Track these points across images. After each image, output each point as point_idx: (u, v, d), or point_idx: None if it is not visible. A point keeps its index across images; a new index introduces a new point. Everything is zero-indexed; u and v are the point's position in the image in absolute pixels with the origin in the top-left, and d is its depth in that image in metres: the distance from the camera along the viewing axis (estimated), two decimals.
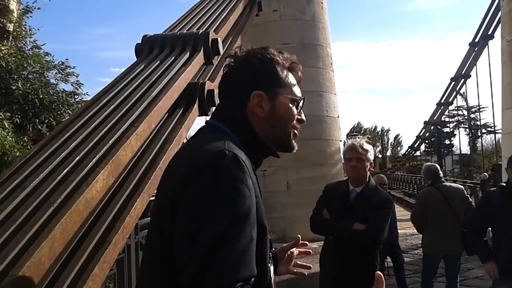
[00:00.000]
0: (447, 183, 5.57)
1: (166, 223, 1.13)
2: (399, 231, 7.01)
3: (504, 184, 3.83)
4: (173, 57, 2.94)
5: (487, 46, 25.44)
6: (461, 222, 5.17)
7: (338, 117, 11.78)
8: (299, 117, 1.38)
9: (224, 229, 1.03)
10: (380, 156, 69.59)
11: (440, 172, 5.61)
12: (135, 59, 3.09)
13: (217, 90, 1.49)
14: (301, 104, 1.39)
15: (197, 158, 1.14)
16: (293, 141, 1.38)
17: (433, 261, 5.59)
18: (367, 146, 3.40)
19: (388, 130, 73.93)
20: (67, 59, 12.63)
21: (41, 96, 10.06)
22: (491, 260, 3.73)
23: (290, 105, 1.35)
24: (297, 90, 1.39)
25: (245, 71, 1.33)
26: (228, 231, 1.03)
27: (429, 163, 6.17)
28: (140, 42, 3.23)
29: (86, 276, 1.64)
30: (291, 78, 1.38)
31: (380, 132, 73.79)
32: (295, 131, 1.38)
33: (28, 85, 10.16)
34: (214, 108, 2.78)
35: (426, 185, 6.10)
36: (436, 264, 5.57)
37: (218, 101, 1.43)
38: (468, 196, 5.56)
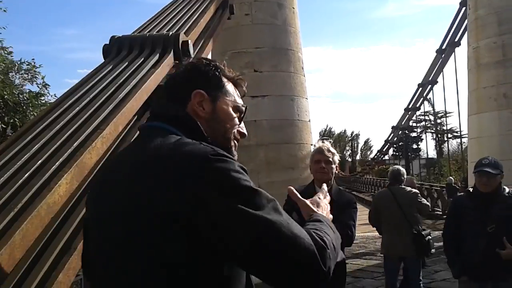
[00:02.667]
0: (402, 187, 5.64)
1: (163, 236, 1.02)
2: (367, 233, 7.09)
3: (471, 189, 3.91)
4: (142, 59, 2.88)
5: (453, 53, 26.06)
6: (412, 225, 5.30)
7: (309, 121, 11.87)
8: (240, 130, 1.33)
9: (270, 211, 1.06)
10: (349, 159, 70.53)
11: (402, 176, 5.70)
12: (102, 61, 3.02)
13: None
14: (243, 116, 1.35)
15: (191, 161, 1.06)
16: (234, 150, 1.32)
17: (391, 262, 5.69)
18: (333, 150, 3.52)
19: (357, 135, 75.10)
20: (33, 59, 12.32)
21: (5, 96, 9.76)
22: (462, 276, 3.82)
23: (232, 112, 1.30)
24: (240, 101, 1.35)
25: (189, 72, 1.31)
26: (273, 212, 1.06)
27: (396, 166, 6.27)
28: (108, 43, 3.16)
29: (50, 283, 1.59)
30: (235, 90, 1.35)
31: (349, 136, 74.86)
32: (235, 141, 1.32)
33: None
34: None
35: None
36: (394, 265, 5.66)
37: (158, 103, 1.41)
38: (420, 201, 5.60)
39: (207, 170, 1.04)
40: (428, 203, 5.77)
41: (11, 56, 11.38)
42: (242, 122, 1.35)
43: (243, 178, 1.06)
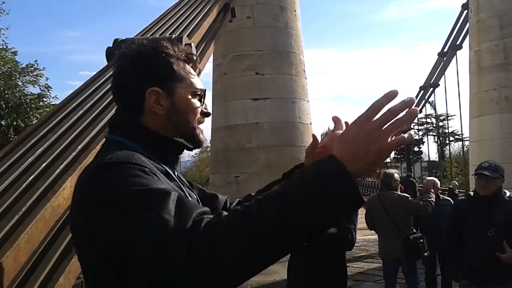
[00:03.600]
0: (391, 192, 5.64)
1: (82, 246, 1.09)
2: (368, 236, 7.10)
3: (472, 193, 3.91)
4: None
5: (455, 56, 26.08)
6: (401, 229, 5.32)
7: (310, 123, 11.87)
8: (204, 110, 1.28)
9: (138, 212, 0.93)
10: None
11: (390, 178, 5.67)
12: (106, 63, 3.04)
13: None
14: (203, 96, 1.28)
15: (79, 180, 1.10)
16: (201, 135, 1.27)
17: (387, 265, 5.75)
18: None
19: None
20: (36, 60, 12.36)
21: (7, 98, 9.79)
22: (462, 279, 3.83)
23: (191, 99, 1.24)
24: (197, 82, 1.27)
25: (135, 69, 1.21)
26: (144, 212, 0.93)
27: (387, 170, 6.27)
28: (111, 46, 3.18)
29: (51, 286, 1.60)
30: (189, 70, 1.27)
31: None
32: (200, 125, 1.28)
33: None
34: None
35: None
36: (391, 268, 5.69)
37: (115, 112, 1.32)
38: (412, 203, 5.59)
39: (89, 184, 1.04)
40: (417, 201, 5.71)
41: (15, 56, 11.42)
42: (204, 102, 1.29)
43: (120, 189, 0.98)
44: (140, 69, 1.21)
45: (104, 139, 1.26)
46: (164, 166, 1.17)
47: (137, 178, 0.99)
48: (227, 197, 1.49)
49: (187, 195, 1.17)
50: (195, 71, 1.30)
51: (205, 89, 1.29)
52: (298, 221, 0.85)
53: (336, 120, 1.10)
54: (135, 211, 0.93)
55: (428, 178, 6.53)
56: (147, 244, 0.90)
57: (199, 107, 1.25)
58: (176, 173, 1.24)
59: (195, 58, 1.31)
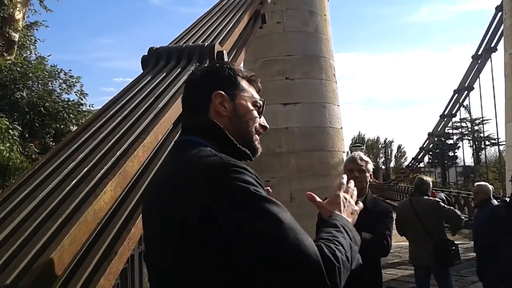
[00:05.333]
0: (423, 197, 5.55)
1: (192, 243, 1.11)
2: (402, 243, 6.99)
3: (508, 199, 3.83)
4: (179, 69, 2.97)
5: (490, 59, 25.44)
6: (432, 235, 5.21)
7: (341, 128, 11.79)
8: (262, 123, 1.39)
9: (283, 226, 1.07)
10: (383, 167, 69.45)
11: (425, 186, 5.60)
12: (139, 69, 3.13)
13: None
14: (262, 109, 1.40)
15: (205, 173, 1.13)
16: (258, 144, 1.37)
17: (419, 271, 5.63)
18: (366, 158, 3.48)
19: (391, 142, 73.88)
20: (70, 70, 12.73)
21: (46, 104, 10.10)
22: (498, 285, 3.75)
23: (251, 107, 1.36)
24: (257, 96, 1.41)
25: (205, 77, 1.37)
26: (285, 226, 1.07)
27: (420, 176, 6.18)
28: (146, 53, 3.27)
29: (92, 287, 1.65)
30: (251, 88, 1.40)
31: (383, 144, 73.75)
32: (257, 136, 1.38)
33: (33, 93, 10.22)
34: None
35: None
36: (422, 273, 5.58)
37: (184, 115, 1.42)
38: (444, 206, 5.46)
39: (217, 182, 1.10)
40: (458, 213, 5.58)
41: (55, 67, 11.79)
42: (262, 116, 1.41)
43: (252, 188, 1.10)
44: (208, 76, 1.37)
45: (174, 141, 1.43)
46: None
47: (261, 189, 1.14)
48: None
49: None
50: (257, 91, 1.43)
51: (264, 101, 1.41)
52: (348, 248, 1.18)
53: (309, 196, 1.44)
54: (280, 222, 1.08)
55: (481, 184, 6.36)
56: (296, 259, 1.05)
57: (257, 117, 1.38)
58: None
59: (257, 79, 1.44)
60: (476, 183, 6.76)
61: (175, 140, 1.42)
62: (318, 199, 1.41)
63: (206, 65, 1.45)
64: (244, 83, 1.38)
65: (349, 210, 1.37)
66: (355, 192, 1.46)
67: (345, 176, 1.50)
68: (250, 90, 1.39)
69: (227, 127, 1.30)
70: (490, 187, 5.98)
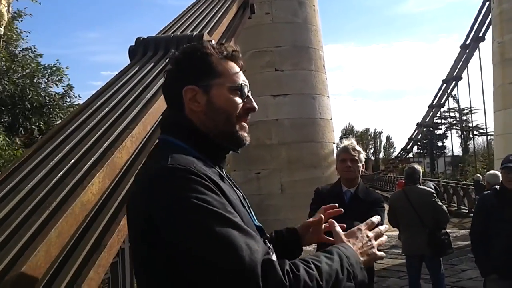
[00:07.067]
0: (416, 186, 5.58)
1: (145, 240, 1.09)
2: (393, 233, 7.03)
3: (498, 187, 3.85)
4: (167, 59, 2.93)
5: (478, 48, 25.66)
6: (426, 224, 5.25)
7: (331, 119, 11.81)
8: (248, 105, 1.28)
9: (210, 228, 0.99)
10: (372, 158, 69.88)
11: (418, 174, 5.62)
12: (127, 63, 3.07)
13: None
14: (245, 90, 1.27)
15: (142, 180, 1.14)
16: (242, 133, 1.27)
17: (411, 261, 5.66)
18: (359, 148, 3.46)
19: (380, 132, 74.30)
20: (57, 59, 12.60)
21: (31, 99, 9.99)
22: (491, 274, 3.77)
23: (230, 95, 1.25)
24: (239, 78, 1.28)
25: (175, 70, 1.28)
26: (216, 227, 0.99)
27: (411, 165, 6.19)
28: (133, 44, 3.22)
29: (81, 280, 1.62)
30: (231, 67, 1.28)
31: (372, 134, 74.16)
32: (243, 122, 1.27)
33: (19, 88, 10.09)
34: None
35: None
36: (414, 263, 5.61)
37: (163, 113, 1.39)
38: (435, 200, 5.50)
39: (154, 188, 1.06)
40: (445, 210, 5.60)
41: (40, 58, 11.65)
42: (248, 96, 1.29)
43: (185, 195, 1.02)
44: (178, 69, 1.27)
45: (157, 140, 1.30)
46: (216, 168, 1.20)
47: (202, 195, 1.03)
48: None
49: (238, 195, 1.20)
50: (240, 68, 1.31)
51: (244, 84, 1.28)
52: (325, 274, 1.05)
53: (331, 224, 1.36)
54: (208, 230, 0.99)
55: (492, 172, 6.42)
56: (219, 271, 0.97)
57: (239, 103, 1.26)
58: (225, 173, 1.26)
59: (238, 55, 1.32)
60: (488, 172, 6.87)
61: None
62: (338, 228, 1.32)
63: (178, 53, 1.30)
64: (220, 66, 1.26)
65: (365, 249, 1.25)
66: (384, 239, 1.32)
67: (377, 218, 1.37)
68: (227, 72, 1.27)
69: (203, 122, 1.23)
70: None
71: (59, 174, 1.73)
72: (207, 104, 1.23)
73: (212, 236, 0.98)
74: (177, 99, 1.25)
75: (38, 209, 1.57)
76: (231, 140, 1.26)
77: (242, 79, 1.29)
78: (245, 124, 1.28)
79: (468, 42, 26.79)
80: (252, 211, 1.26)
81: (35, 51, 11.95)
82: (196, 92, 1.23)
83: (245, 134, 1.28)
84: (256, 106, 1.29)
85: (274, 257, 1.10)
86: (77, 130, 2.09)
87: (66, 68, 11.74)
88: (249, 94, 1.29)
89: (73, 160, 1.81)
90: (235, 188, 1.23)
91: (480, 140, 49.31)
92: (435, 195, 5.59)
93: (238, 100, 1.25)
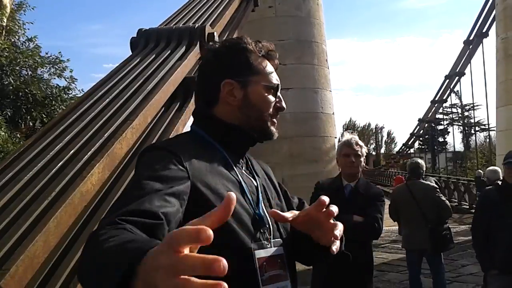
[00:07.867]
0: (419, 181, 5.56)
1: None
2: (393, 227, 7.03)
3: (500, 182, 3.84)
4: (169, 51, 2.91)
5: (481, 44, 25.46)
6: (428, 219, 5.24)
7: (333, 113, 11.79)
8: (278, 104, 1.33)
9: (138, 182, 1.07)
10: (374, 153, 69.81)
11: (422, 168, 5.61)
12: (129, 54, 3.06)
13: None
14: (278, 90, 1.33)
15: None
16: (273, 128, 1.33)
17: (412, 255, 5.65)
18: (361, 142, 3.46)
19: (382, 128, 74.14)
20: (59, 52, 12.56)
21: (33, 91, 9.97)
22: (492, 269, 3.76)
23: (265, 93, 1.30)
24: (273, 77, 1.33)
25: (214, 62, 1.32)
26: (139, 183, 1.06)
27: (414, 159, 6.16)
28: (135, 36, 3.20)
29: None
30: (267, 66, 1.33)
31: (374, 130, 74.01)
32: (274, 119, 1.33)
33: (21, 80, 10.08)
34: None
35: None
36: (415, 258, 5.61)
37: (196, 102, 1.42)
38: (439, 195, 5.48)
39: (137, 162, 1.22)
40: (449, 205, 5.58)
41: (40, 49, 11.61)
42: (279, 96, 1.34)
43: (148, 164, 1.13)
44: (218, 62, 1.30)
45: None
46: (226, 154, 1.25)
47: (157, 165, 1.11)
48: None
49: (245, 189, 1.23)
50: (275, 67, 1.36)
51: (279, 84, 1.33)
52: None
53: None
54: (134, 185, 1.09)
55: (493, 168, 6.42)
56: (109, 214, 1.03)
57: (272, 101, 1.31)
58: (242, 164, 1.31)
59: (275, 54, 1.36)
60: (488, 168, 6.93)
61: None
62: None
63: (218, 45, 1.34)
64: (259, 64, 1.30)
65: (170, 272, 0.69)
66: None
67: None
68: (265, 71, 1.31)
69: (237, 116, 1.28)
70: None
71: (59, 164, 1.73)
72: (243, 99, 1.28)
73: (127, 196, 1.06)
74: (213, 91, 1.29)
75: (37, 199, 1.57)
76: (261, 134, 1.32)
77: (276, 78, 1.34)
78: (275, 120, 1.34)
79: (471, 37, 26.61)
80: (266, 200, 1.31)
81: (35, 41, 11.93)
82: (233, 86, 1.27)
83: (275, 130, 1.34)
84: (285, 106, 1.34)
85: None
86: (78, 121, 2.08)
87: (68, 60, 11.70)
88: (279, 93, 1.34)
89: (73, 151, 1.81)
90: (251, 178, 1.29)
91: (482, 136, 49.30)
92: (438, 190, 5.59)
93: (272, 98, 1.31)
